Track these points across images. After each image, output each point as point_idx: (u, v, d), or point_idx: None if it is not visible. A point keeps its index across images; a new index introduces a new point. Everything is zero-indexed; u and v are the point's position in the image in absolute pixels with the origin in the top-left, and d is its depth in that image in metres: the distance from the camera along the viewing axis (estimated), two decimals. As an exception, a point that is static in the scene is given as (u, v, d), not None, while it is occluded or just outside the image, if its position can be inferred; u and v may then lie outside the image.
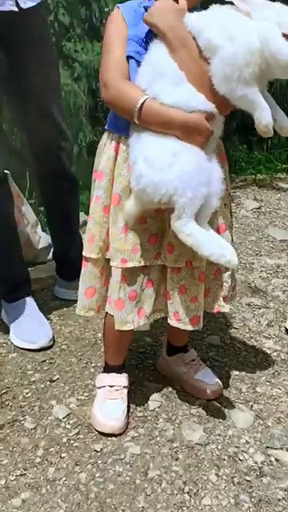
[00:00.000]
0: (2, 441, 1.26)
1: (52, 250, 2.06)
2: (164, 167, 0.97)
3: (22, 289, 1.71)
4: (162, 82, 0.98)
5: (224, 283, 1.23)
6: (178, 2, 1.00)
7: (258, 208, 2.86)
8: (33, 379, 1.48)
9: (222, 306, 1.25)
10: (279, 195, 3.10)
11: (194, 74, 0.97)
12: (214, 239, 1.05)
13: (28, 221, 2.10)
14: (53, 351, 1.61)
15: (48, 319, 1.74)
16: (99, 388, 1.32)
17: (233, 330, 1.71)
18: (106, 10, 6.85)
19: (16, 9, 1.41)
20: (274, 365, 1.53)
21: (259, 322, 1.76)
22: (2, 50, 1.47)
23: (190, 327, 1.19)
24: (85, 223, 1.40)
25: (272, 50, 0.92)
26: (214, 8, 0.99)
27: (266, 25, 0.93)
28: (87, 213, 1.30)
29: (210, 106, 1.00)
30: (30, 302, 1.70)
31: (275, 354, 1.58)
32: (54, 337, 1.65)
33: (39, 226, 2.19)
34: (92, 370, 1.51)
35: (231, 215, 1.28)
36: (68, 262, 1.85)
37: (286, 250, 2.35)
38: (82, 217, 2.57)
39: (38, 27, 1.53)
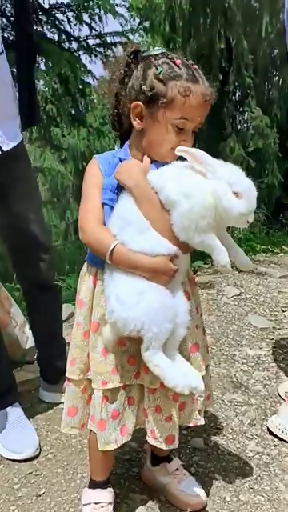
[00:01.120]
0: None
1: (39, 350, 2.12)
2: (132, 305, 1.07)
3: (8, 397, 1.75)
4: (129, 230, 1.11)
5: (198, 397, 1.29)
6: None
7: (239, 295, 2.98)
8: (19, 494, 1.49)
9: (197, 420, 1.30)
10: (258, 280, 3.23)
11: (157, 223, 1.10)
12: (179, 369, 1.13)
13: (16, 322, 2.18)
14: (39, 461, 1.63)
15: (34, 424, 1.77)
16: (85, 505, 1.34)
17: (216, 430, 1.75)
18: (90, 98, 7.31)
19: None
20: (257, 469, 1.56)
21: (241, 420, 1.80)
22: None
23: (164, 446, 1.23)
24: (72, 315, 1.48)
25: (224, 207, 1.05)
26: (175, 165, 1.13)
27: (219, 184, 1.06)
28: (74, 301, 1.38)
29: (173, 249, 1.10)
30: (15, 410, 1.74)
31: (257, 456, 1.62)
32: (40, 445, 1.67)
33: (27, 326, 2.26)
34: (78, 482, 1.53)
35: (204, 334, 1.37)
36: (51, 366, 1.92)
37: (267, 339, 2.44)
38: (70, 308, 2.66)
39: (21, 162, 1.68)
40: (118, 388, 1.21)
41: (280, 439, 1.68)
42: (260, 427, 1.76)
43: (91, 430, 1.29)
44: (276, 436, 1.69)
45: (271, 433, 1.71)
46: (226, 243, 1.13)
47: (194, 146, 1.16)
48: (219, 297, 2.95)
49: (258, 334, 2.49)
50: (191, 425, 1.31)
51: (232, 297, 2.95)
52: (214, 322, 2.63)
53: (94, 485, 1.36)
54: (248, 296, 2.96)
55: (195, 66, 1.16)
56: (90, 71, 4.85)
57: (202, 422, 1.31)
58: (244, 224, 1.08)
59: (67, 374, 1.29)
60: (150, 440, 1.25)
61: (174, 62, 1.12)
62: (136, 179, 1.11)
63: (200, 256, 4.45)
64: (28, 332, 2.25)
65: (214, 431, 1.75)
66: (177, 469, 1.45)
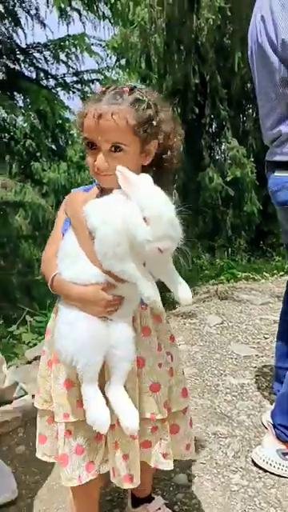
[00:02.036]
0: None
1: (18, 388, 2.06)
2: (65, 335, 1.06)
3: None
4: (65, 260, 1.10)
5: (162, 440, 1.22)
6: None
7: (221, 323, 2.96)
8: None
9: (160, 463, 1.22)
10: (240, 307, 3.23)
11: (89, 252, 1.08)
12: (101, 406, 1.06)
13: (-7, 360, 2.13)
14: (18, 507, 1.56)
15: (12, 467, 1.70)
16: None
17: (200, 465, 1.71)
18: (69, 133, 7.43)
19: None
20: (242, 503, 1.52)
21: (226, 453, 1.76)
22: None
23: (123, 485, 1.17)
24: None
25: (131, 232, 0.97)
26: (114, 193, 1.08)
27: (129, 207, 0.98)
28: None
29: (102, 278, 1.05)
30: None
31: (242, 490, 1.57)
32: (17, 489, 1.60)
33: (5, 364, 2.20)
34: (57, 527, 1.46)
35: (173, 374, 1.26)
36: None
37: (250, 368, 2.42)
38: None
39: None
40: (82, 421, 1.14)
41: (265, 471, 1.64)
42: (245, 459, 1.72)
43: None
44: (261, 468, 1.65)
45: (256, 464, 1.67)
46: (165, 274, 1.06)
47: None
48: (202, 326, 2.93)
49: (241, 363, 2.47)
50: (152, 465, 1.23)
51: (214, 325, 2.93)
52: (196, 352, 2.60)
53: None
54: (230, 324, 2.95)
55: (116, 87, 1.13)
56: (68, 107, 4.93)
57: (165, 466, 1.22)
58: (155, 253, 0.96)
59: (34, 403, 1.26)
60: (111, 478, 1.19)
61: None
62: (74, 209, 1.12)
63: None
64: (5, 370, 2.20)
65: (197, 466, 1.70)
66: (159, 508, 1.40)
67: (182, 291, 1.06)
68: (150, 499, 1.41)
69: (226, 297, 3.47)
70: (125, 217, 0.98)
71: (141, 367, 1.17)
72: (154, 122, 1.14)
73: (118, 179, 1.02)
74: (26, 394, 2.13)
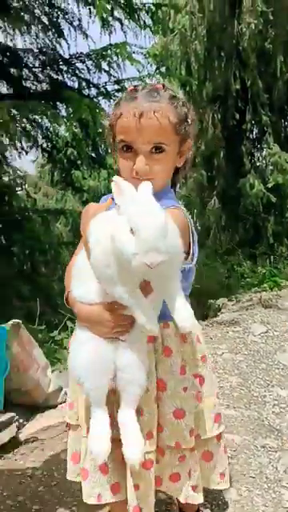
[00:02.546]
0: None
1: (62, 393, 2.06)
2: (74, 355, 1.03)
3: None
4: (76, 277, 1.05)
5: (192, 471, 1.15)
6: None
7: (266, 332, 2.88)
8: None
9: (190, 497, 1.15)
10: (285, 316, 3.14)
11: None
12: (103, 432, 1.00)
13: (38, 364, 2.14)
14: (63, 514, 1.54)
15: (57, 472, 1.69)
16: None
17: (250, 479, 1.64)
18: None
19: None
20: (296, 522, 1.45)
21: (276, 468, 1.69)
22: None
23: None
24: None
25: (117, 247, 0.87)
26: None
27: (117, 222, 0.88)
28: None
29: (109, 298, 0.97)
30: None
31: (296, 507, 1.50)
32: None
33: (49, 369, 2.21)
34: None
35: (201, 399, 1.18)
36: None
37: (298, 379, 2.33)
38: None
39: None
40: None
41: None
42: (297, 475, 1.65)
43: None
44: (315, 485, 1.58)
45: (309, 481, 1.59)
46: (167, 294, 0.95)
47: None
48: (246, 334, 2.86)
49: (288, 374, 2.39)
50: (182, 501, 1.16)
51: (259, 334, 2.85)
52: (241, 362, 2.53)
53: None
54: (276, 333, 2.87)
55: (146, 85, 1.07)
56: (109, 115, 4.98)
57: (195, 500, 1.15)
58: (144, 268, 0.84)
59: (66, 418, 1.22)
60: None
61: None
62: (83, 224, 1.05)
63: (224, 293, 4.37)
64: (50, 375, 2.21)
65: (247, 480, 1.64)
66: (208, 522, 1.35)
67: (181, 317, 0.94)
68: (198, 513, 1.36)
69: (270, 305, 3.38)
70: (113, 233, 0.88)
71: (162, 391, 1.10)
72: (189, 121, 1.09)
73: (113, 190, 0.92)
74: (70, 399, 2.13)
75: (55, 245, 5.90)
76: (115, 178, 0.93)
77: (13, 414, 1.95)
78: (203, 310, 3.78)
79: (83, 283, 1.02)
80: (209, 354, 1.21)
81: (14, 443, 1.89)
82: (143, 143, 1.03)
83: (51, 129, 5.52)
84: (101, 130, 5.91)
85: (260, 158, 7.13)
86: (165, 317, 1.01)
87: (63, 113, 5.00)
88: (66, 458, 1.79)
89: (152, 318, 0.92)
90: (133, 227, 0.85)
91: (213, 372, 1.25)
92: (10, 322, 2.00)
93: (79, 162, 6.50)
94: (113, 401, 1.03)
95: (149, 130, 1.02)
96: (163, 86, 1.10)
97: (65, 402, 2.15)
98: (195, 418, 1.14)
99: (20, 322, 2.02)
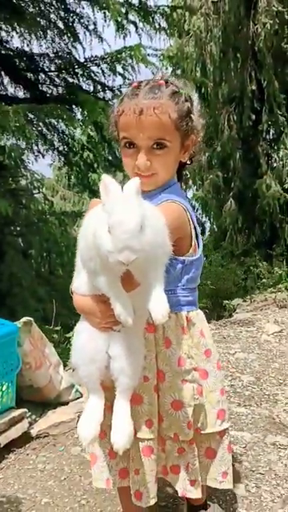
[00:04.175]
0: None
1: (74, 390, 2.08)
2: (73, 344, 1.09)
3: None
4: (76, 271, 1.07)
5: (190, 465, 1.15)
6: None
7: (280, 331, 2.86)
8: None
9: (188, 491, 1.16)
10: (300, 316, 3.11)
11: None
12: (92, 419, 1.02)
13: (50, 362, 2.16)
14: (72, 507, 1.56)
15: (68, 468, 1.71)
16: None
17: (258, 475, 1.63)
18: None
19: None
20: (304, 519, 1.43)
21: (285, 465, 1.67)
22: None
23: (133, 500, 1.13)
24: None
25: (96, 243, 0.89)
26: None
27: (99, 219, 0.90)
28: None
29: (95, 290, 0.99)
30: None
31: (304, 504, 1.49)
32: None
33: (61, 366, 2.24)
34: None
35: (203, 392, 1.16)
36: None
37: (311, 378, 2.31)
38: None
39: None
40: None
41: None
42: (306, 472, 1.63)
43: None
44: None
45: None
46: (148, 290, 0.95)
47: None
48: (259, 334, 2.85)
49: (301, 373, 2.36)
50: (180, 494, 1.17)
51: (272, 334, 2.84)
52: (254, 361, 2.52)
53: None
54: (290, 333, 2.85)
55: (149, 81, 1.07)
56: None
57: (193, 495, 1.16)
58: (118, 265, 0.86)
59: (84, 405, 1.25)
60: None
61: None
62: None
63: (238, 293, 4.35)
64: (62, 372, 2.23)
65: (256, 476, 1.63)
66: (215, 517, 1.35)
67: (154, 309, 0.92)
68: (205, 507, 1.36)
69: (285, 305, 3.36)
70: (94, 230, 0.90)
71: (161, 381, 1.12)
72: (192, 116, 1.10)
73: (100, 188, 0.91)
74: (81, 396, 2.15)
75: (72, 247, 5.95)
76: (103, 175, 0.92)
77: (25, 409, 1.98)
78: (218, 311, 3.78)
79: (78, 275, 1.05)
80: (220, 353, 1.20)
81: (25, 438, 1.92)
82: (144, 139, 1.05)
83: (67, 132, 5.59)
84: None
85: (277, 159, 7.06)
86: None
87: (79, 116, 5.07)
88: (77, 454, 1.83)
89: (127, 309, 0.94)
90: (109, 225, 0.86)
91: (221, 369, 1.24)
92: (22, 320, 2.03)
93: (96, 164, 6.55)
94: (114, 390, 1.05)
95: (149, 127, 1.04)
96: (166, 81, 1.11)
97: (76, 399, 2.17)
98: (196, 412, 1.14)
99: (32, 319, 2.05)
